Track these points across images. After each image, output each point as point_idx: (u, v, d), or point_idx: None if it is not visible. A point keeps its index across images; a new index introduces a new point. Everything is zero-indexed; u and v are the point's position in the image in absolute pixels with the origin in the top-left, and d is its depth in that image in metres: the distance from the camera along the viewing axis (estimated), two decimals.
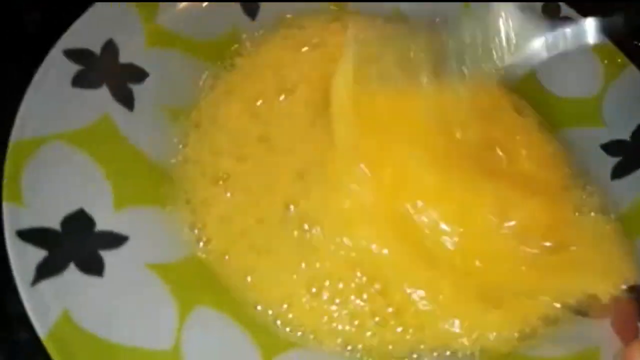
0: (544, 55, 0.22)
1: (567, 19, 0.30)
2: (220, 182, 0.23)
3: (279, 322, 0.21)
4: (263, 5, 0.28)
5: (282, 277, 0.22)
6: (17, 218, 0.19)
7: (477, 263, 0.23)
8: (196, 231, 0.22)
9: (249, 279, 0.22)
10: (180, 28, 0.26)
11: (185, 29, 0.26)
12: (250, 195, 0.23)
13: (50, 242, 0.19)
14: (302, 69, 0.26)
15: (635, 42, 0.30)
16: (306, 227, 0.23)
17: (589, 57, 0.29)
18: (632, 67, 0.28)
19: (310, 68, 0.26)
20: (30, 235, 0.19)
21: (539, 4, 0.30)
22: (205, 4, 0.27)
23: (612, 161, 0.27)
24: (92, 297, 0.19)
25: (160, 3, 0.26)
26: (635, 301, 0.23)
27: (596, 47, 0.29)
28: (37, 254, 0.19)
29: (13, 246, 0.19)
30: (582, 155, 0.27)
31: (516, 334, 0.21)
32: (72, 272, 0.19)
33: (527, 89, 0.29)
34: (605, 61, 0.29)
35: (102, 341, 0.18)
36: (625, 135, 0.27)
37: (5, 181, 0.20)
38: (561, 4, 0.30)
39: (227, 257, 0.22)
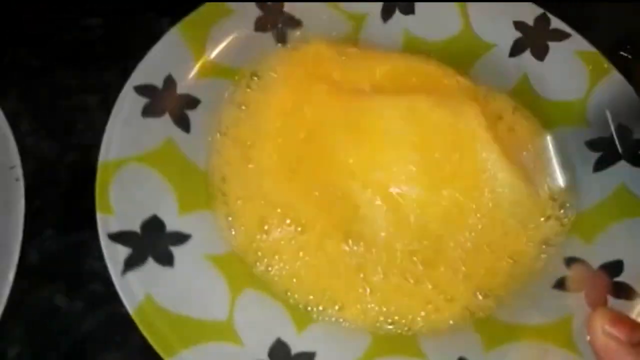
0: None
1: (556, 31, 0.33)
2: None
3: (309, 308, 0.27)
4: (290, 34, 0.33)
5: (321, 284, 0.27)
6: (108, 224, 0.26)
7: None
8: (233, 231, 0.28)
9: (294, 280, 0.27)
10: (222, 60, 0.32)
11: (226, 60, 0.32)
12: None
13: (133, 241, 0.25)
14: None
15: (620, 52, 0.34)
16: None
17: (576, 64, 0.33)
18: (614, 73, 0.32)
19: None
20: (118, 237, 0.25)
21: (532, 17, 0.34)
22: (242, 38, 0.32)
23: (594, 156, 0.31)
24: (166, 282, 0.25)
25: (207, 41, 0.31)
26: (605, 277, 0.27)
27: (582, 55, 0.33)
28: (124, 251, 0.25)
29: (106, 246, 0.25)
30: (568, 151, 0.31)
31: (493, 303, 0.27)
32: (150, 264, 0.25)
33: (521, 93, 0.33)
34: (590, 67, 0.32)
35: (176, 315, 0.24)
36: (607, 133, 0.31)
37: (97, 196, 0.26)
38: (551, 17, 0.33)
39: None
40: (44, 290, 0.27)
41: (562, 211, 0.29)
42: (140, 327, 0.24)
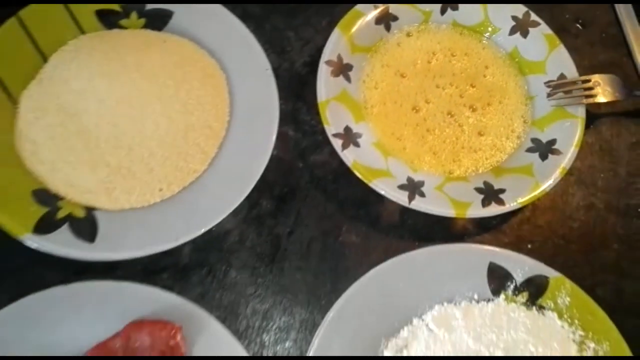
0: None
1: (534, 21, 0.62)
2: None
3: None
4: (393, 24, 0.61)
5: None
6: None
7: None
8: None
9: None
10: (361, 42, 0.60)
11: (363, 42, 0.60)
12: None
13: None
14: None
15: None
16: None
17: (542, 41, 0.61)
18: (561, 46, 0.61)
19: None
20: None
21: (521, 13, 0.62)
22: (369, 29, 0.60)
23: (547, 89, 0.60)
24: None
25: (353, 32, 0.60)
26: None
27: (546, 36, 0.61)
28: None
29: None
30: (533, 86, 0.61)
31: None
32: None
33: (513, 56, 0.62)
34: (549, 43, 0.61)
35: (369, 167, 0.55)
36: (554, 77, 0.60)
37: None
38: (531, 13, 0.62)
39: None
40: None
41: (528, 114, 0.60)
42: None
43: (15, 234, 0.49)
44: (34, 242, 0.49)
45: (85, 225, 0.51)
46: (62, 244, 0.50)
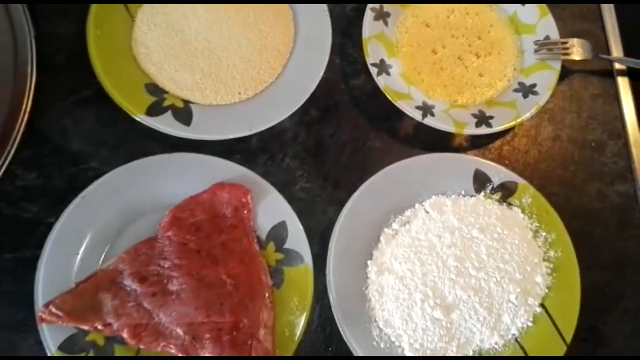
0: None
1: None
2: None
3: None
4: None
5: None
6: None
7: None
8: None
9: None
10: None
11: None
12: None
13: None
14: None
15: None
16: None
17: (535, 9, 0.77)
18: (549, 14, 0.77)
19: None
20: None
21: None
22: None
23: (535, 47, 0.76)
24: None
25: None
26: None
27: (539, 6, 0.77)
28: None
29: None
30: (526, 43, 0.77)
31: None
32: None
33: (513, 19, 0.78)
34: (540, 10, 0.77)
35: None
36: (541, 37, 0.77)
37: None
38: None
39: None
40: None
41: (518, 63, 0.76)
42: None
43: (133, 113, 0.66)
44: (145, 121, 0.66)
45: (183, 113, 0.68)
46: (165, 125, 0.67)
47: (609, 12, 0.82)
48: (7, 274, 0.62)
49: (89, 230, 0.63)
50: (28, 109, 0.66)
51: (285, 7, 0.74)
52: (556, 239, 0.68)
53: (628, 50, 0.79)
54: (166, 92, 0.69)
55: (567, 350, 0.63)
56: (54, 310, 0.58)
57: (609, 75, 0.79)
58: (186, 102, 0.69)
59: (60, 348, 0.58)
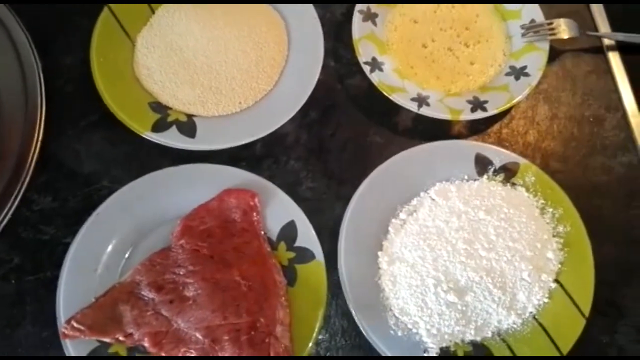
0: None
1: None
2: None
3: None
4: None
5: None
6: None
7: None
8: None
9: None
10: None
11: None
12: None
13: None
14: None
15: None
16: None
17: None
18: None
19: None
20: None
21: None
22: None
23: (522, 31, 0.75)
24: None
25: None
26: None
27: None
28: None
29: None
30: (512, 29, 0.76)
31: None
32: None
33: (497, 7, 0.77)
34: None
35: None
36: (527, 21, 0.76)
37: None
38: None
39: None
40: None
41: (507, 48, 0.75)
42: None
43: (140, 131, 0.66)
44: (152, 137, 0.67)
45: (187, 127, 0.68)
46: (171, 139, 0.67)
47: None
48: (29, 295, 0.62)
49: (105, 246, 0.63)
50: (40, 138, 0.67)
51: (277, 17, 0.74)
52: (564, 214, 0.66)
53: (615, 26, 0.78)
54: (170, 108, 0.70)
55: (587, 325, 0.60)
56: (75, 325, 0.58)
57: (600, 51, 0.77)
58: (189, 116, 0.69)
59: None
